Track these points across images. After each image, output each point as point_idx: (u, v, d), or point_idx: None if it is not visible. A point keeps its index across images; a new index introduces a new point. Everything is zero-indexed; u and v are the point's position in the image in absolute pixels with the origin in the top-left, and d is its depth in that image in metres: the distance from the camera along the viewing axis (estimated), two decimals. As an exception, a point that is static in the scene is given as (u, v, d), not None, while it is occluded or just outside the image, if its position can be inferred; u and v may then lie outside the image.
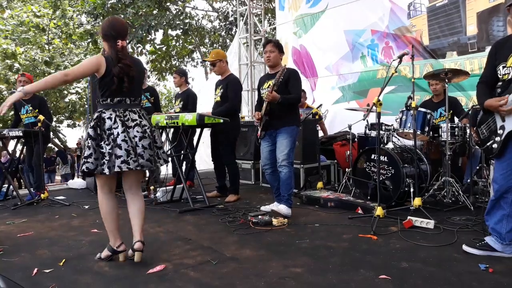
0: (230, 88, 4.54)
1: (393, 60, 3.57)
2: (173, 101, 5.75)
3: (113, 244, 2.67)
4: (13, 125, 5.42)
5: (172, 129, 5.01)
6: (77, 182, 6.08)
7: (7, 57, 11.72)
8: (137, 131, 2.62)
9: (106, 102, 2.62)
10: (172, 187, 4.66)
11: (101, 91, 2.63)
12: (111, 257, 2.67)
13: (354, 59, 6.78)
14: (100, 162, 2.54)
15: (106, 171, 2.52)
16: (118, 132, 2.56)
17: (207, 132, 4.93)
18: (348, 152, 5.06)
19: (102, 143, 2.56)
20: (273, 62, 3.91)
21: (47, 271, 2.55)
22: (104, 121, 2.58)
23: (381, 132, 4.27)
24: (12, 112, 11.89)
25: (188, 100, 5.41)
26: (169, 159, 5.19)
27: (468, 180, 4.08)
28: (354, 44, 6.74)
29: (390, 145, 4.23)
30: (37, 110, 4.86)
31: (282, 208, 3.75)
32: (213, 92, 4.88)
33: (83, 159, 2.57)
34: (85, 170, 2.54)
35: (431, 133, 4.14)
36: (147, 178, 5.54)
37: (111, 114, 2.59)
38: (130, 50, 12.68)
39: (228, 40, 14.20)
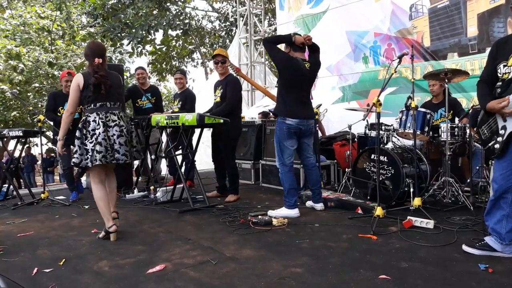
0: (229, 88, 4.54)
1: (393, 60, 3.58)
2: (173, 101, 5.77)
3: (106, 226, 3.17)
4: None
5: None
6: (77, 182, 6.06)
7: (11, 58, 11.68)
8: (116, 130, 3.19)
9: (91, 107, 3.17)
10: (172, 187, 4.65)
11: (85, 99, 3.18)
12: (106, 237, 3.17)
13: (356, 59, 6.78)
14: (84, 157, 3.11)
15: (89, 164, 3.09)
16: (99, 132, 3.11)
17: (207, 132, 4.92)
18: (348, 152, 5.05)
19: (86, 141, 3.11)
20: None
21: (47, 271, 2.55)
22: (89, 124, 3.13)
23: (381, 132, 4.27)
24: (14, 113, 11.75)
25: (187, 100, 5.42)
26: (166, 158, 5.18)
27: (468, 180, 4.07)
28: (356, 45, 6.73)
29: (390, 145, 4.23)
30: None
31: (280, 211, 3.78)
32: (213, 92, 4.88)
33: (73, 155, 3.22)
34: (72, 164, 3.20)
35: (431, 133, 4.14)
36: (147, 178, 5.54)
37: (95, 117, 3.13)
38: (130, 50, 12.66)
39: (228, 41, 14.18)
